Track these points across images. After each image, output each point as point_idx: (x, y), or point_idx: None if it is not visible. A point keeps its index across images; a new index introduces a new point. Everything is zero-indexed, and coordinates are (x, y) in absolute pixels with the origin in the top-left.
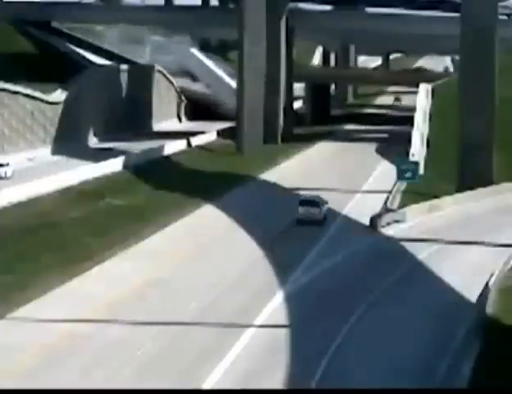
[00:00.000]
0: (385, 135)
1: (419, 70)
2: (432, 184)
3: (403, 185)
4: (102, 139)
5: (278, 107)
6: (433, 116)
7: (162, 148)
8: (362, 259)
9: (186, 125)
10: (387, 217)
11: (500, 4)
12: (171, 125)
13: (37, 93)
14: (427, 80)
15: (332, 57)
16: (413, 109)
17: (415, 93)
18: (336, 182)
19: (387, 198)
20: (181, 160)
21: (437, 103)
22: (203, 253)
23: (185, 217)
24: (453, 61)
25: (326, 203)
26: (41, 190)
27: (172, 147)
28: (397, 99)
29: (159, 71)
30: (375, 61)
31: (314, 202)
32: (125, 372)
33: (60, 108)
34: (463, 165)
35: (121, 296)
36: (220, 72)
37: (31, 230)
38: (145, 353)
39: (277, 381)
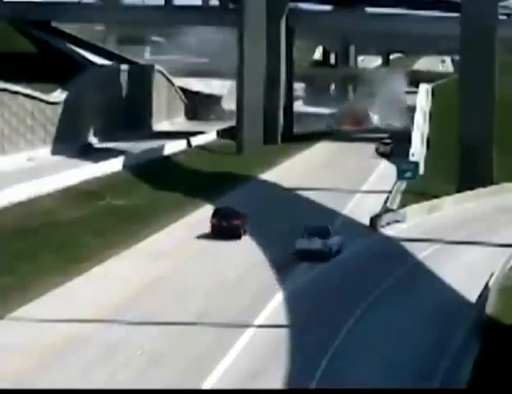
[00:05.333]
0: (385, 135)
1: (419, 70)
2: (432, 184)
3: (403, 185)
4: (102, 139)
5: (278, 107)
6: (433, 116)
7: (162, 148)
8: (361, 259)
9: (186, 125)
10: (387, 217)
11: (500, 4)
12: (171, 125)
13: (37, 93)
14: (427, 80)
15: (332, 57)
16: (413, 109)
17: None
18: (336, 182)
19: (387, 198)
20: (181, 160)
21: (437, 103)
22: (203, 252)
23: (186, 217)
24: (453, 61)
25: (393, 142)
26: (41, 189)
27: (172, 147)
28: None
29: (159, 71)
30: (375, 61)
31: (387, 143)
32: (125, 372)
33: (60, 108)
34: (463, 165)
35: (121, 296)
36: None
37: (31, 230)
38: (145, 353)
39: (277, 380)
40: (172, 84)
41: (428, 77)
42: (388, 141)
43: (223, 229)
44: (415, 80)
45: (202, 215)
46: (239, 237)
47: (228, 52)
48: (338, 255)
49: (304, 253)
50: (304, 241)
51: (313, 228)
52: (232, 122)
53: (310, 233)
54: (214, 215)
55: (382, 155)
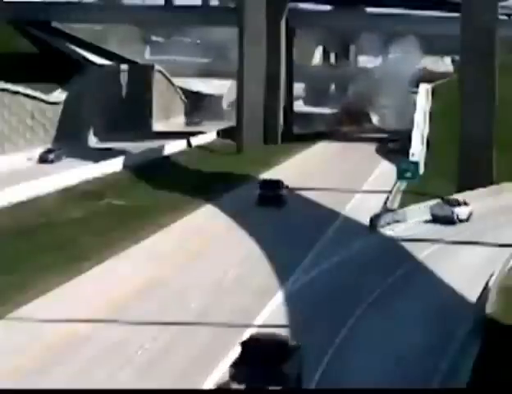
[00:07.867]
0: (385, 135)
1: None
2: (433, 184)
3: (403, 185)
4: (102, 139)
5: (278, 107)
6: (433, 116)
7: (162, 148)
8: (361, 259)
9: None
10: (387, 217)
11: (500, 4)
12: (171, 125)
13: (37, 93)
14: (428, 80)
15: (332, 57)
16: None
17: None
18: (336, 182)
19: (387, 198)
20: (181, 160)
21: (437, 102)
22: (203, 252)
23: (186, 217)
24: (453, 61)
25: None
26: (41, 189)
27: (172, 147)
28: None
29: (159, 71)
30: (375, 62)
31: (395, 139)
32: (125, 372)
33: (60, 108)
34: (463, 165)
35: (121, 296)
36: None
37: (31, 230)
38: (145, 353)
39: None
40: (172, 84)
41: (439, 77)
42: (396, 138)
43: (269, 198)
44: (424, 78)
45: (202, 215)
46: (283, 204)
47: (228, 52)
48: (466, 221)
49: (436, 217)
50: (437, 208)
51: (448, 199)
52: (232, 122)
53: (445, 202)
54: (261, 186)
55: (391, 152)
